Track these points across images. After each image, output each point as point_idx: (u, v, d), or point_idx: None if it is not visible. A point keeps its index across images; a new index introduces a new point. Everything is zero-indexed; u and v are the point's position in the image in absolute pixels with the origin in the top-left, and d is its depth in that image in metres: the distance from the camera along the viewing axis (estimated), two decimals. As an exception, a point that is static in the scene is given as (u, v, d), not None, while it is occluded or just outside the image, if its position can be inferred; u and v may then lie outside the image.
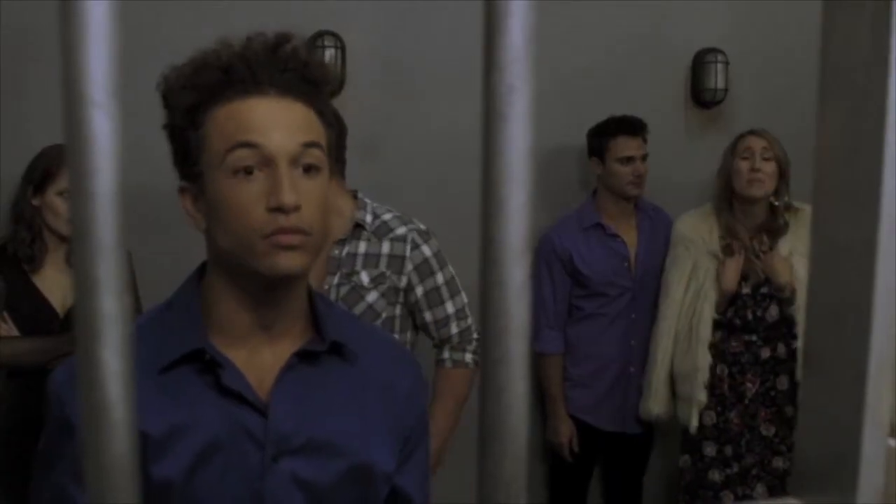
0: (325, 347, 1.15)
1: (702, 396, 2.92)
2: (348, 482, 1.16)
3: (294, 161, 1.05)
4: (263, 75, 1.05)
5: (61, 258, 2.64)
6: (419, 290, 2.39)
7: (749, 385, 2.94)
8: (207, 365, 1.11)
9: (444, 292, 2.42)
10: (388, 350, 1.31)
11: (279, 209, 1.03)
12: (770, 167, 2.84)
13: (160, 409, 1.07)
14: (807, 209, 2.84)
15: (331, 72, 1.14)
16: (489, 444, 0.35)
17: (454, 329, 2.45)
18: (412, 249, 2.36)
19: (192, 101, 1.06)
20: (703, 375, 2.92)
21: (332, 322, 1.19)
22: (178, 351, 1.09)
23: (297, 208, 1.03)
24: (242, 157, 1.04)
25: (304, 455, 1.13)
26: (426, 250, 2.39)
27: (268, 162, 1.04)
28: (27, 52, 2.84)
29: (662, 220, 3.25)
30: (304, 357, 1.15)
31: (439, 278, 2.41)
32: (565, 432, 3.20)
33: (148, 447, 1.06)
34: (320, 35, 2.99)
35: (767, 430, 2.94)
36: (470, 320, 2.48)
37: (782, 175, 2.86)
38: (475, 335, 2.47)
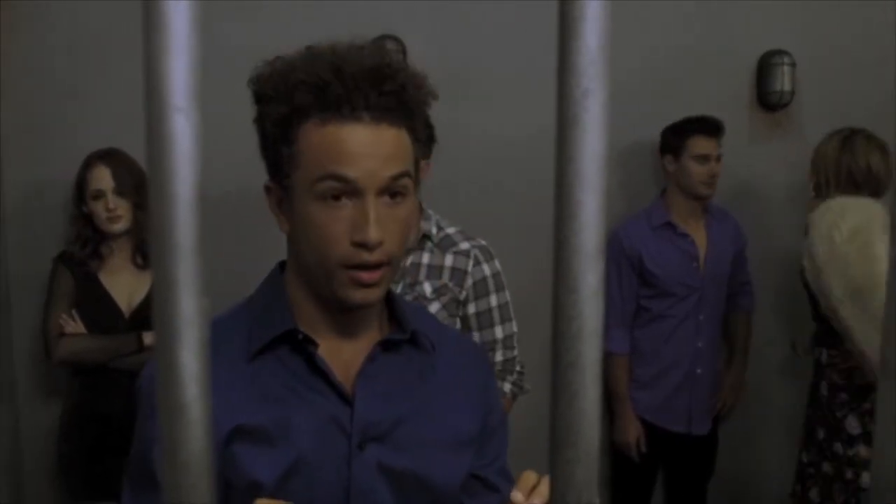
0: (406, 336, 1.18)
1: None
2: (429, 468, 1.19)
3: (381, 191, 1.06)
4: (359, 100, 1.04)
5: (128, 258, 2.70)
6: (472, 308, 2.41)
7: None
8: (298, 349, 1.12)
9: (496, 316, 2.43)
10: (461, 343, 1.33)
11: (363, 245, 1.04)
12: None
13: (252, 404, 1.09)
14: None
15: (428, 89, 1.11)
16: (561, 450, 0.35)
17: (499, 356, 2.46)
18: (474, 265, 2.39)
19: (283, 114, 1.06)
20: None
21: (410, 314, 1.21)
22: (270, 334, 1.11)
23: (380, 244, 1.05)
24: (332, 187, 1.04)
25: (390, 442, 1.14)
26: (486, 269, 2.41)
27: (356, 192, 1.05)
28: (83, 58, 2.91)
29: (729, 223, 3.25)
30: (386, 347, 1.18)
31: (493, 300, 2.43)
32: (633, 432, 3.17)
33: (240, 439, 1.07)
34: (382, 38, 3.00)
35: None
36: (516, 351, 2.48)
37: None
38: (518, 367, 2.49)
